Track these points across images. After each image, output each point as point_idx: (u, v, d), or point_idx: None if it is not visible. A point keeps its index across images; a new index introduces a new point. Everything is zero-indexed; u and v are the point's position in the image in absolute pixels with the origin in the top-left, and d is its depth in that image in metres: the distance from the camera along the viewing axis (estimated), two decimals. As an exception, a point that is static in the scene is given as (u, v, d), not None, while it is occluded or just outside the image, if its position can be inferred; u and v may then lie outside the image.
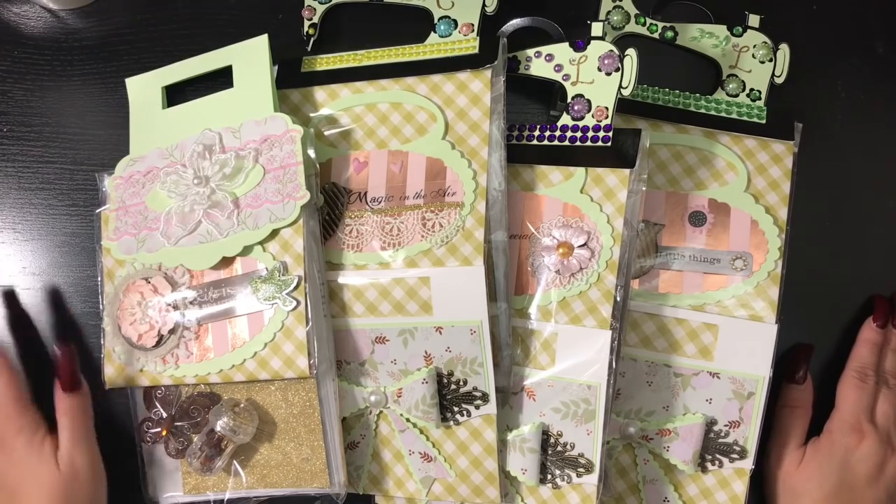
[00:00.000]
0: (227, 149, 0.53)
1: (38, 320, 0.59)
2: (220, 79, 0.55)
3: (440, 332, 0.53)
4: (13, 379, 0.54)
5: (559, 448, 0.54)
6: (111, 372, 0.55)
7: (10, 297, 0.59)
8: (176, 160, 0.54)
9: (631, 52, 0.53)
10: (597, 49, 0.54)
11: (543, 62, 0.55)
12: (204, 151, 0.53)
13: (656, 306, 0.56)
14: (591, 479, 0.54)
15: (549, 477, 0.55)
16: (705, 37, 0.58)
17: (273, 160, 0.52)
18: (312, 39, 0.59)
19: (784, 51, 0.57)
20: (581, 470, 0.54)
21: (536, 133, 0.55)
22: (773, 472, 0.56)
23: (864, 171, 0.60)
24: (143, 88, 0.57)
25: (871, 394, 0.55)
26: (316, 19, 0.59)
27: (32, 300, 0.59)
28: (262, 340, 0.52)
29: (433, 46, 0.55)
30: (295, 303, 0.51)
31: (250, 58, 0.54)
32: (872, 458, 0.54)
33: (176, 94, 0.57)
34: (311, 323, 0.51)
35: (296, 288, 0.51)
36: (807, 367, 0.57)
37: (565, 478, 0.54)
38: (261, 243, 0.52)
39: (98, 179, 0.57)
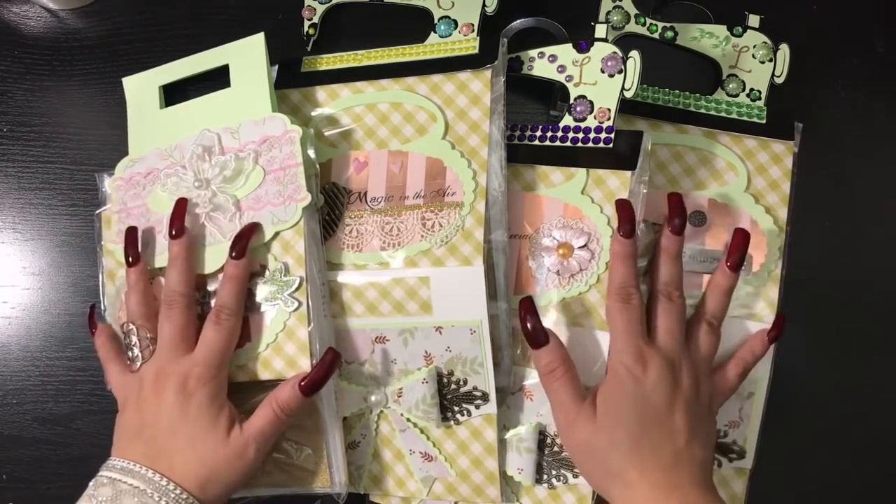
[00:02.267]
0: (227, 150, 0.53)
1: (38, 320, 0.59)
2: (219, 78, 0.55)
3: (440, 332, 0.53)
4: (236, 333, 0.50)
5: (556, 448, 0.54)
6: (112, 372, 0.55)
7: None
8: (175, 161, 0.54)
9: (634, 54, 0.53)
10: (600, 51, 0.54)
11: (546, 63, 0.55)
12: (203, 153, 0.53)
13: (656, 306, 0.56)
14: (589, 480, 0.54)
15: (545, 477, 0.55)
16: (705, 37, 0.58)
17: (273, 161, 0.52)
18: (312, 39, 0.59)
19: (784, 51, 0.57)
20: (577, 470, 0.54)
21: (538, 133, 0.55)
22: (572, 444, 0.49)
23: (864, 171, 0.60)
24: (141, 88, 0.57)
25: (640, 313, 0.49)
26: (316, 19, 0.59)
27: (32, 300, 0.59)
28: (265, 341, 0.52)
29: (433, 46, 0.55)
30: (297, 303, 0.51)
31: (247, 56, 0.54)
32: (664, 382, 0.48)
33: (174, 94, 0.57)
34: (312, 323, 0.51)
35: (297, 289, 0.51)
36: (537, 320, 0.49)
37: (561, 478, 0.54)
38: (262, 245, 0.52)
39: (98, 179, 0.57)
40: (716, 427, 0.51)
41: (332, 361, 0.50)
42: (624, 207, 0.50)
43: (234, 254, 0.50)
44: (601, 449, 0.47)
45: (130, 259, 0.52)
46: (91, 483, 0.47)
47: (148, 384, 0.49)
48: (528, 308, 0.49)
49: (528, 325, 0.49)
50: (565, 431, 0.50)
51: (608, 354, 0.50)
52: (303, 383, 0.49)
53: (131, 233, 0.52)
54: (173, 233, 0.51)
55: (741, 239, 0.51)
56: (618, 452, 0.47)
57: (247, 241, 0.50)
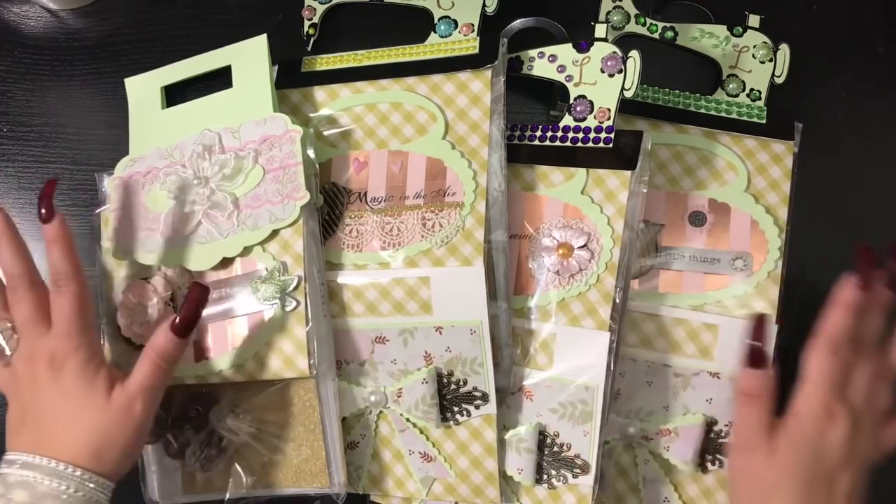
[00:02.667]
0: (227, 149, 0.53)
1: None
2: (220, 79, 0.55)
3: (440, 332, 0.53)
4: (83, 294, 0.47)
5: (556, 448, 0.54)
6: (111, 372, 0.55)
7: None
8: (175, 160, 0.54)
9: (634, 54, 0.53)
10: (600, 50, 0.54)
11: (546, 63, 0.55)
12: (203, 152, 0.53)
13: (656, 306, 0.56)
14: (587, 480, 0.54)
15: (545, 477, 0.55)
16: (705, 37, 0.58)
17: (273, 160, 0.52)
18: (312, 39, 0.59)
19: (784, 51, 0.57)
20: (577, 471, 0.54)
21: (538, 133, 0.55)
22: (739, 467, 0.49)
23: (864, 171, 0.60)
24: (143, 88, 0.57)
25: (844, 366, 0.48)
26: (316, 19, 0.59)
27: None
28: (262, 341, 0.52)
29: (433, 46, 0.55)
30: (295, 303, 0.51)
31: (249, 58, 0.54)
32: (846, 440, 0.47)
33: (175, 94, 0.57)
34: (310, 323, 0.51)
35: (296, 288, 0.51)
36: (765, 345, 0.48)
37: (561, 478, 0.54)
38: (261, 244, 0.52)
39: (97, 179, 0.57)
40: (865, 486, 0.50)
41: (200, 296, 0.48)
42: (867, 255, 0.48)
43: (43, 218, 0.47)
44: (767, 487, 0.47)
45: None
46: None
47: (21, 372, 0.48)
48: (764, 328, 0.48)
49: (756, 345, 0.47)
50: (739, 455, 0.49)
51: (797, 395, 0.48)
52: (175, 325, 0.47)
53: None
54: None
55: None
56: (781, 497, 0.47)
57: (51, 200, 0.47)
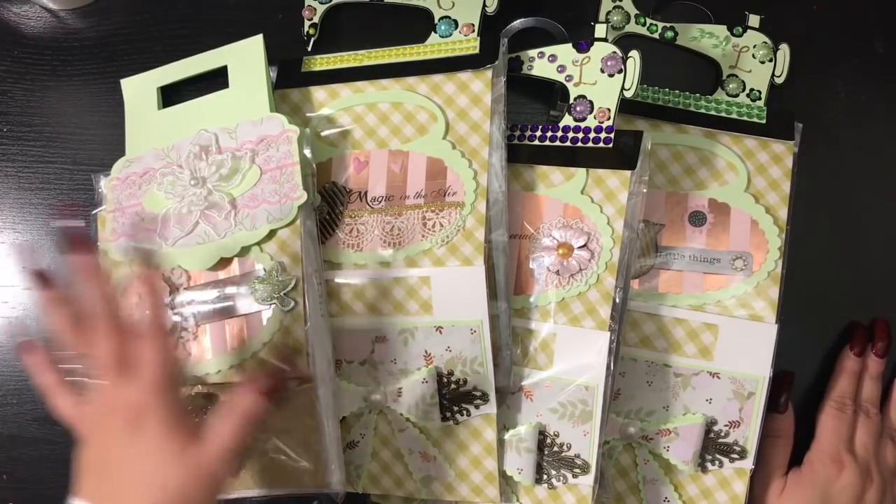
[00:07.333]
0: (224, 149, 0.53)
1: (38, 320, 0.59)
2: (217, 79, 0.55)
3: (440, 332, 0.53)
4: (170, 344, 0.45)
5: (555, 448, 0.54)
6: (111, 372, 0.55)
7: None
8: (172, 161, 0.54)
9: (634, 54, 0.53)
10: (600, 50, 0.54)
11: (546, 63, 0.55)
12: (200, 152, 0.53)
13: (656, 306, 0.56)
14: (587, 480, 0.54)
15: (545, 477, 0.55)
16: (705, 37, 0.58)
17: (269, 160, 0.52)
18: (313, 39, 0.59)
19: (784, 51, 0.57)
20: (577, 471, 0.54)
21: (538, 133, 0.55)
22: (757, 501, 0.56)
23: (864, 171, 0.60)
24: (139, 89, 0.57)
25: (850, 423, 0.56)
26: (316, 19, 0.59)
27: (32, 300, 0.59)
28: (261, 341, 0.52)
29: (434, 46, 0.55)
30: (293, 303, 0.51)
31: (245, 58, 0.54)
32: (852, 488, 0.54)
33: (172, 95, 0.57)
34: (309, 323, 0.51)
35: (293, 288, 0.51)
36: (787, 395, 0.57)
37: (561, 478, 0.54)
38: (258, 244, 0.52)
39: (94, 180, 0.57)
40: None
41: (283, 363, 0.49)
42: (861, 331, 0.58)
43: (138, 271, 0.44)
44: None
45: (42, 282, 0.46)
46: None
47: (97, 418, 0.45)
48: (788, 384, 0.57)
49: (780, 396, 0.56)
50: (757, 491, 0.56)
51: (811, 448, 0.56)
52: (264, 387, 0.45)
53: (31, 254, 0.47)
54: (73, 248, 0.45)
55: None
56: None
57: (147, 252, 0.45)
